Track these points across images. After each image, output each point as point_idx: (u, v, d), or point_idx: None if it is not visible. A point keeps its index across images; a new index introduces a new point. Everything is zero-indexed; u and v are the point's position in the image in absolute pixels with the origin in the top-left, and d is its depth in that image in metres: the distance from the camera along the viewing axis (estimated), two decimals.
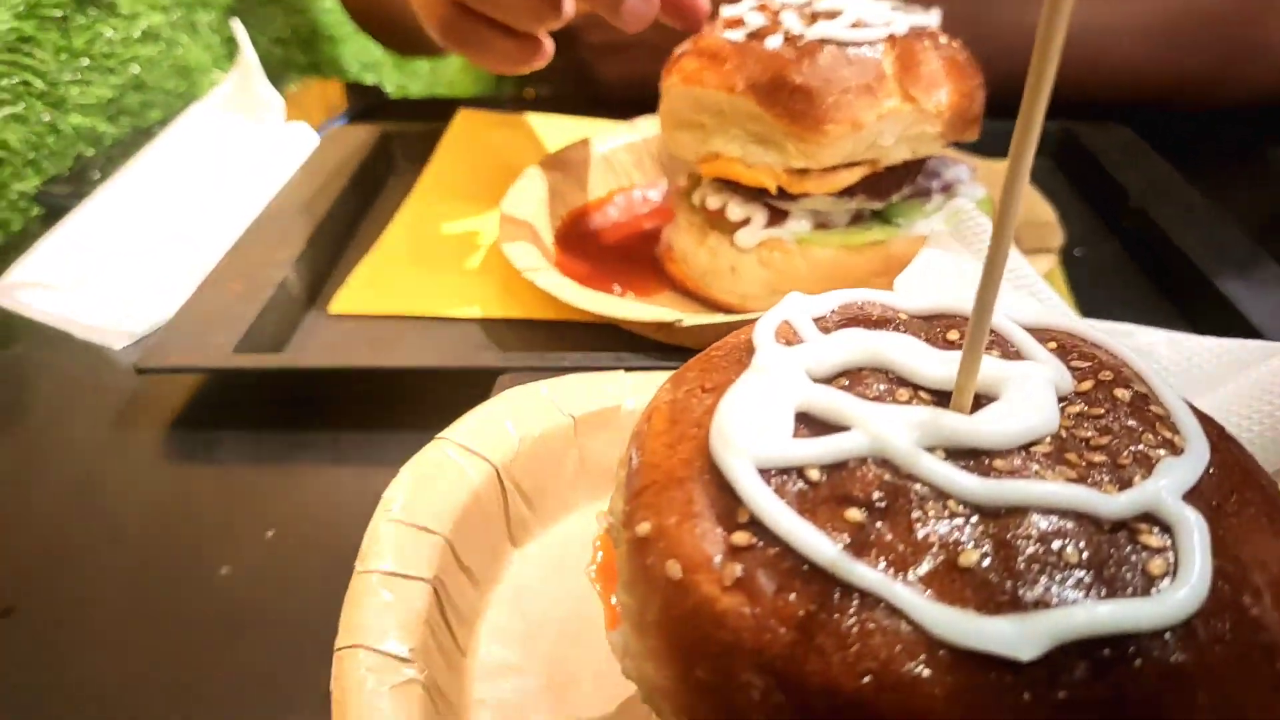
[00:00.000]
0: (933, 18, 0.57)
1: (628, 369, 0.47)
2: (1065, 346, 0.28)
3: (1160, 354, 0.43)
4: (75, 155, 0.80)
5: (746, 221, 0.58)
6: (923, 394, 0.26)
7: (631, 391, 0.44)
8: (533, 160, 0.70)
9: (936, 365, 0.26)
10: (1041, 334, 0.29)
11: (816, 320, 0.29)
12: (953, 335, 0.28)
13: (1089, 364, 0.27)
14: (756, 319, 0.29)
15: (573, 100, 0.93)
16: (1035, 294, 0.48)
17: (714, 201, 0.59)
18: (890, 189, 0.57)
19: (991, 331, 0.28)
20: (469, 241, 0.66)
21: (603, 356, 0.51)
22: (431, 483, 0.36)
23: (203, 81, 0.99)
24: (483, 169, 0.74)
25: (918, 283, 0.49)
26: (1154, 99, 0.85)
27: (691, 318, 0.52)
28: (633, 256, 0.65)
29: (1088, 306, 0.60)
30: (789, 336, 0.28)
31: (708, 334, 0.52)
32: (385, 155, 0.79)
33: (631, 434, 0.27)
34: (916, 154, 0.56)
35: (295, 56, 1.20)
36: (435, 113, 0.83)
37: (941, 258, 0.50)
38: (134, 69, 0.90)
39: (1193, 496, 0.23)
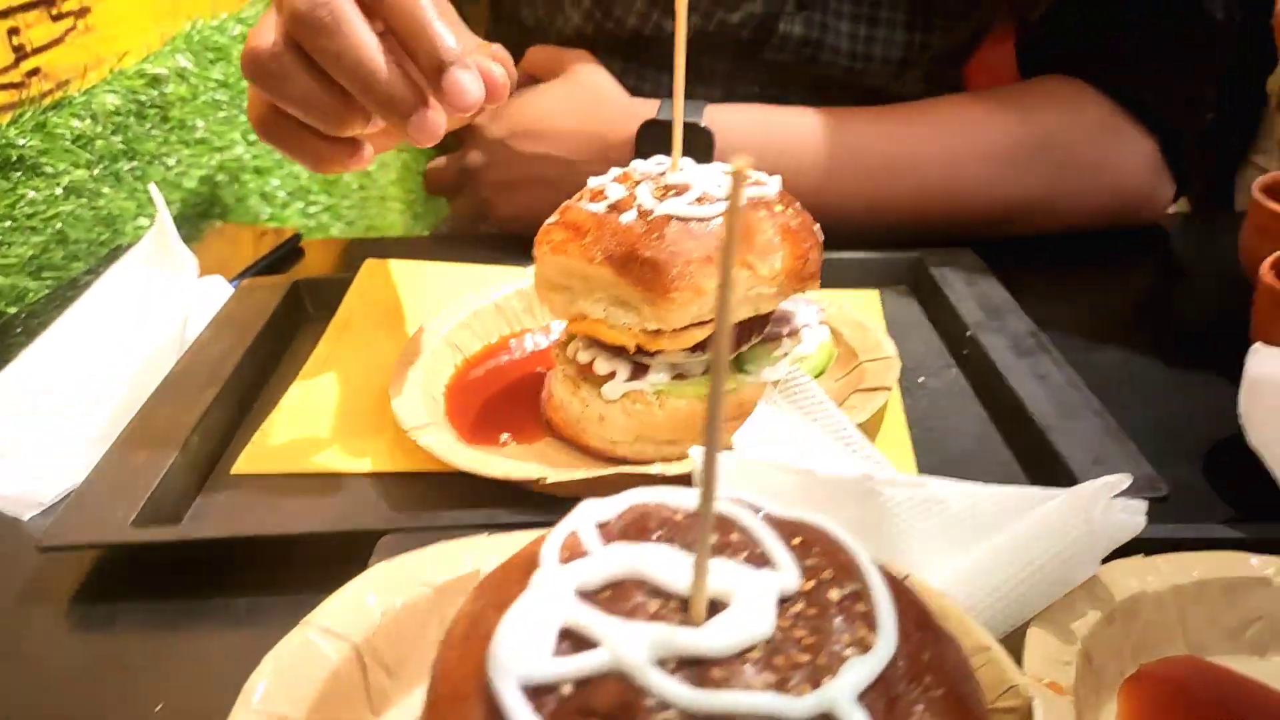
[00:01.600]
0: (772, 187, 0.64)
1: (494, 529, 0.52)
2: (807, 542, 0.34)
3: (950, 504, 0.49)
4: None
5: (612, 374, 0.64)
6: (673, 603, 0.31)
7: (489, 555, 0.49)
8: (433, 309, 0.76)
9: (684, 575, 0.31)
10: (791, 529, 0.35)
11: (602, 526, 0.34)
12: (713, 538, 0.34)
13: (819, 561, 0.33)
14: (545, 536, 0.34)
15: (473, 240, 1.00)
16: (855, 449, 0.54)
17: (584, 356, 0.65)
18: (739, 341, 0.63)
19: (740, 531, 0.34)
20: (368, 395, 0.71)
21: (477, 514, 0.57)
22: (292, 669, 0.40)
23: (127, 229, 1.05)
24: (385, 320, 0.79)
25: (752, 438, 0.55)
26: (1002, 219, 0.93)
27: (555, 474, 0.57)
28: (519, 403, 0.70)
29: (923, 436, 0.66)
30: (574, 548, 0.33)
31: (571, 488, 0.57)
32: (297, 305, 0.84)
33: (440, 642, 0.32)
34: (759, 310, 0.62)
35: (220, 195, 1.25)
36: (349, 257, 0.88)
37: (774, 415, 0.56)
38: (57, 225, 0.95)
39: (872, 693, 0.28)
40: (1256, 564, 0.50)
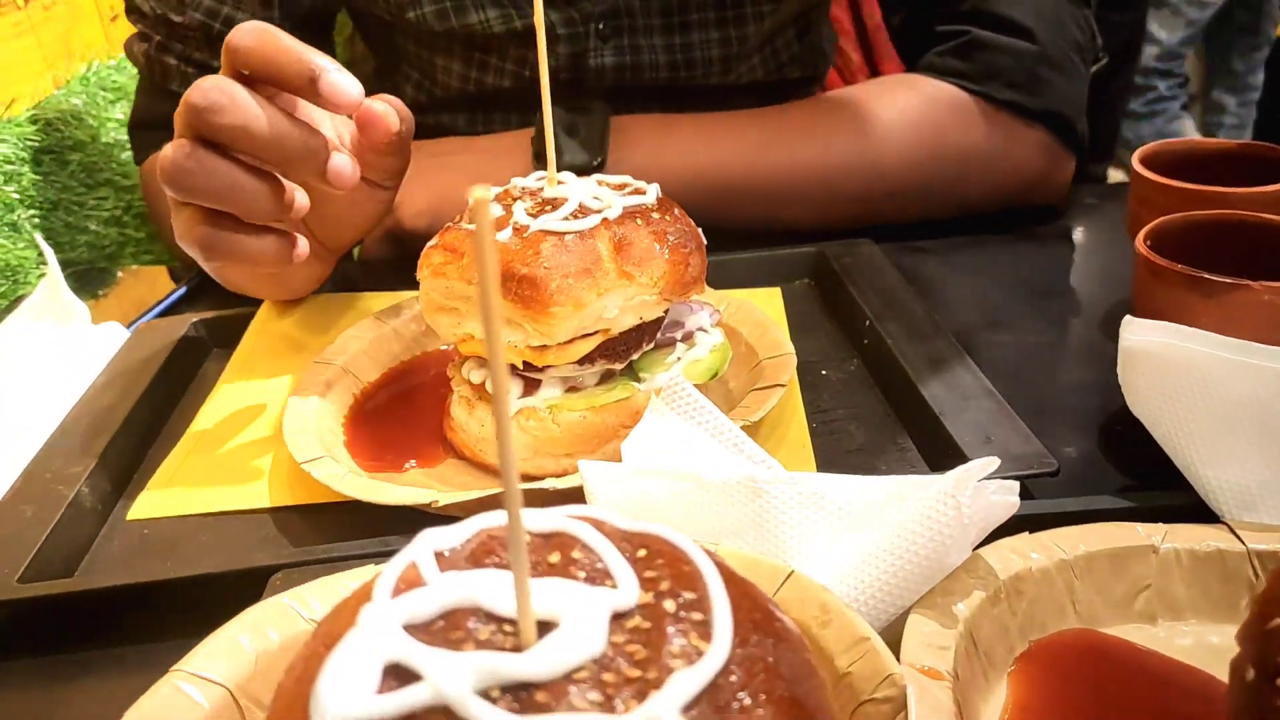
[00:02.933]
0: (650, 195, 0.64)
1: (382, 557, 0.51)
2: (651, 553, 0.34)
3: (830, 498, 0.49)
4: None
5: None
6: (505, 627, 0.31)
7: None
8: (332, 340, 0.75)
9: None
10: (638, 541, 0.35)
11: (441, 555, 0.34)
12: (555, 558, 0.34)
13: (659, 573, 0.33)
14: (379, 575, 0.33)
15: (379, 267, 0.99)
16: (740, 450, 0.54)
17: (476, 376, 0.65)
18: (629, 350, 0.63)
19: (582, 548, 0.34)
20: (267, 431, 0.70)
21: (370, 543, 0.56)
22: (160, 718, 0.39)
23: (30, 279, 1.03)
24: (286, 355, 0.78)
25: (640, 447, 0.55)
26: (917, 200, 0.93)
27: (447, 496, 0.57)
28: (421, 427, 0.70)
29: (824, 429, 0.66)
30: (411, 580, 0.33)
31: (468, 508, 0.57)
32: (196, 345, 0.82)
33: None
34: (643, 318, 0.62)
35: (131, 233, 1.23)
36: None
37: (660, 422, 0.56)
38: None
39: (700, 704, 0.28)
40: (1142, 532, 0.50)
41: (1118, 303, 0.80)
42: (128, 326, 0.86)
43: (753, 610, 0.32)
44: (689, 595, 0.32)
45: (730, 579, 0.33)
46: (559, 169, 0.66)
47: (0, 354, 0.79)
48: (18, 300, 0.97)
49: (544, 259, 0.58)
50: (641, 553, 0.34)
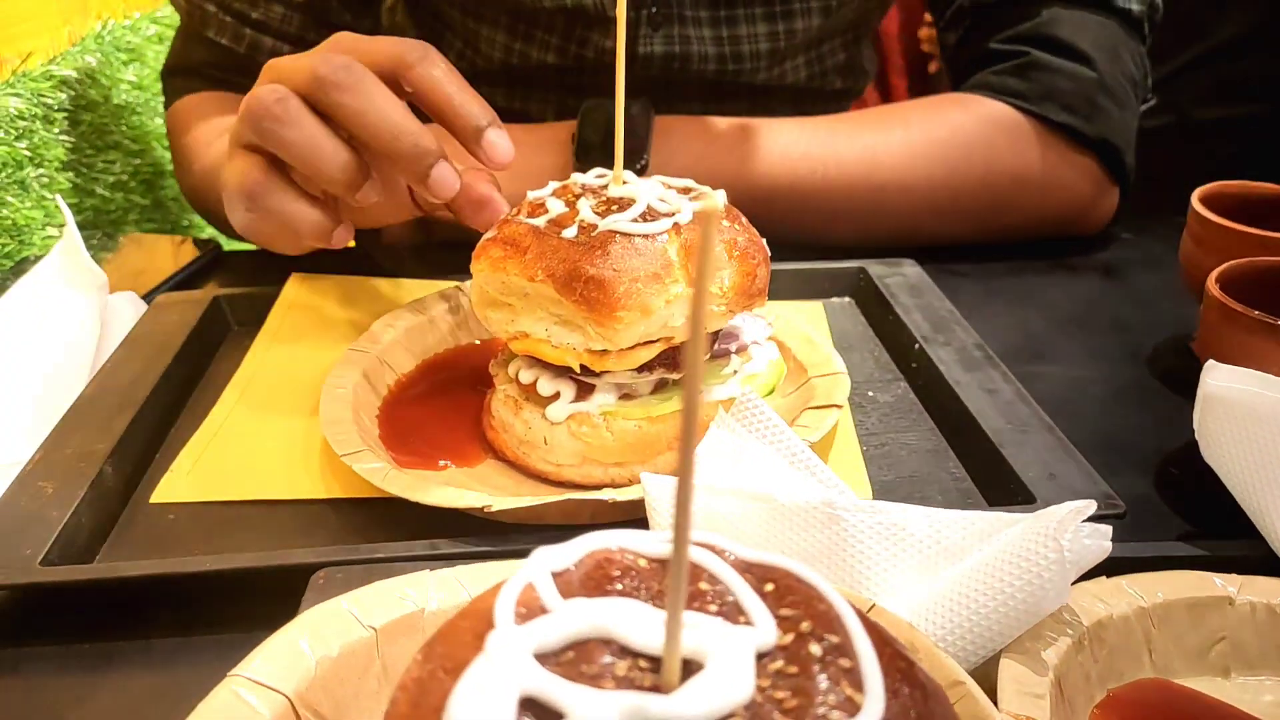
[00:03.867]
0: (718, 199, 0.62)
1: (436, 561, 0.49)
2: (781, 589, 0.32)
3: (912, 530, 0.47)
4: None
5: (557, 395, 0.61)
6: (641, 662, 0.29)
7: (435, 590, 0.46)
8: (364, 324, 0.72)
9: (654, 633, 0.29)
10: (762, 574, 0.33)
11: (559, 576, 0.32)
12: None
13: (796, 612, 0.31)
14: (498, 594, 0.31)
15: (403, 251, 0.96)
16: (811, 472, 0.53)
17: (526, 376, 0.62)
18: None
19: (709, 579, 0.32)
20: (298, 418, 0.67)
21: (417, 545, 0.54)
22: None
23: (35, 240, 0.99)
24: (314, 338, 0.75)
25: (706, 462, 0.53)
26: (964, 221, 0.93)
27: (500, 501, 0.55)
28: (457, 424, 0.67)
29: (875, 452, 0.65)
30: (530, 604, 0.31)
31: (518, 515, 0.55)
32: (217, 321, 0.79)
33: (385, 710, 0.30)
34: (707, 329, 0.60)
35: (136, 199, 1.20)
36: (272, 269, 0.83)
37: (727, 438, 0.54)
38: None
39: None
40: (1219, 583, 0.49)
41: (1164, 340, 0.79)
42: (143, 298, 0.83)
43: (895, 658, 0.31)
44: (832, 639, 0.30)
45: (866, 622, 0.32)
46: (594, 166, 0.65)
47: (11, 320, 0.75)
48: (22, 261, 0.94)
49: (613, 260, 0.56)
50: (769, 587, 0.32)
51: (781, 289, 0.81)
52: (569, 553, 0.33)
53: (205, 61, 1.01)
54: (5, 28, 1.02)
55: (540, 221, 0.60)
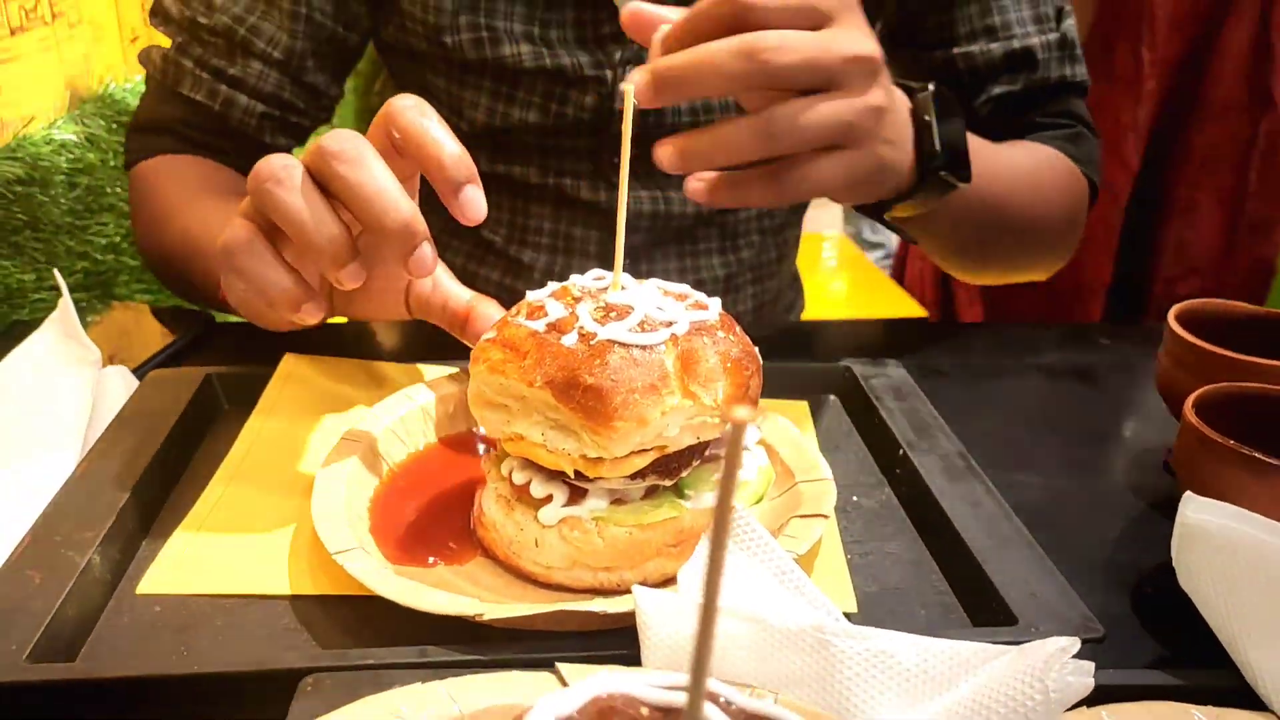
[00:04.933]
0: (713, 311, 0.64)
1: (426, 670, 0.49)
2: None
3: (901, 659, 0.48)
4: None
5: (549, 498, 0.62)
6: None
7: (424, 705, 0.46)
8: (360, 410, 0.73)
9: None
10: None
11: None
12: None
13: None
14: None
15: (396, 328, 0.97)
16: (800, 590, 0.54)
17: (519, 477, 0.63)
18: (679, 468, 0.62)
19: None
20: (289, 507, 0.68)
21: (408, 651, 0.54)
22: None
23: (26, 303, 0.99)
24: (306, 422, 0.76)
25: (696, 578, 0.54)
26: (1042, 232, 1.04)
27: (492, 609, 0.55)
28: (448, 519, 0.68)
29: (860, 561, 0.66)
30: None
31: (515, 623, 0.55)
32: (209, 400, 0.80)
33: None
34: (700, 438, 0.61)
35: (127, 260, 1.20)
36: (265, 345, 0.83)
37: None
38: None
39: None
40: (1198, 716, 0.50)
41: (1141, 453, 0.81)
42: (135, 371, 0.83)
43: None
44: None
45: None
46: None
47: (5, 393, 0.75)
48: (14, 325, 0.94)
49: (611, 371, 0.57)
50: None
51: (769, 386, 0.82)
52: (573, 699, 0.34)
53: (177, 118, 1.02)
54: (7, 92, 1.03)
55: (540, 325, 0.61)
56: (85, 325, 0.81)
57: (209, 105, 0.98)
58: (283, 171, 0.62)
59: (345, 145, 0.62)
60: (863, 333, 1.23)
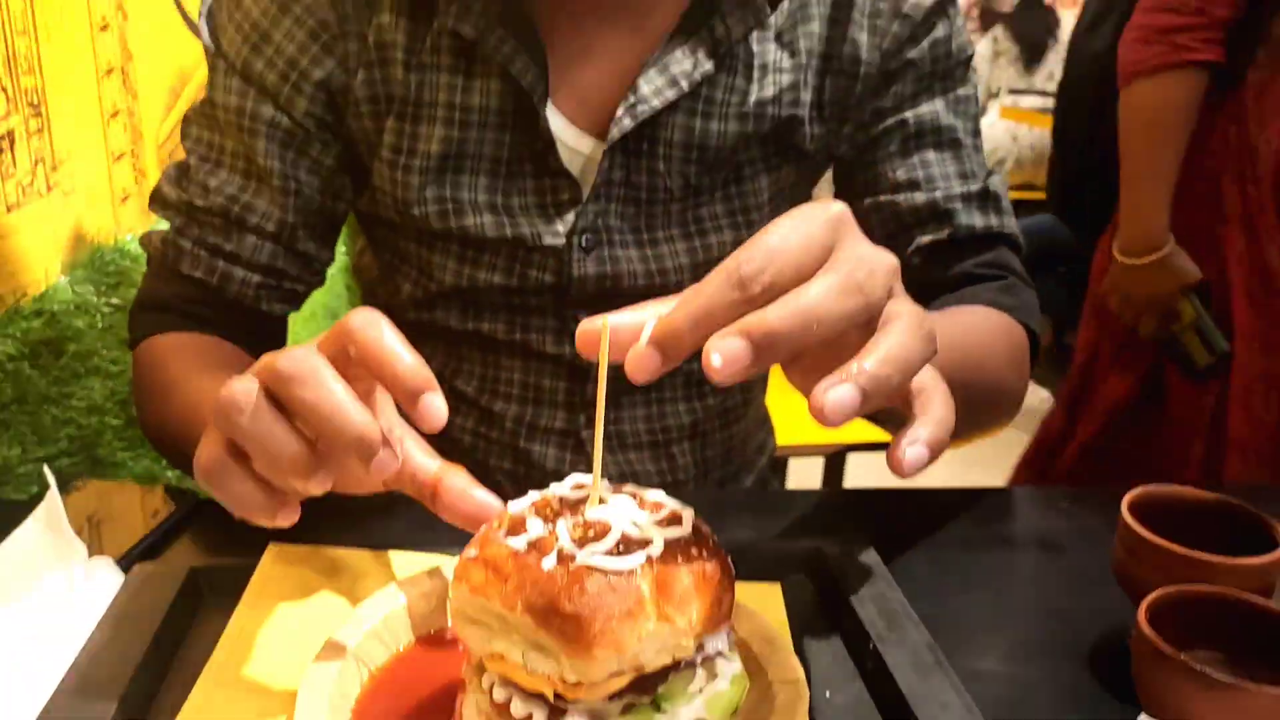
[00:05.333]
0: (686, 524, 0.66)
1: None
2: None
3: None
4: None
5: (529, 717, 0.63)
6: None
7: None
8: (343, 606, 0.74)
9: None
10: None
11: None
12: None
13: None
14: None
15: (378, 507, 0.99)
16: None
17: (500, 694, 0.65)
18: (656, 684, 0.64)
19: None
20: (272, 711, 0.69)
21: None
22: None
23: (12, 478, 1.00)
24: (290, 621, 0.77)
25: None
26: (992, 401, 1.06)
27: None
28: None
29: None
30: None
31: None
32: (193, 596, 0.81)
33: None
34: (676, 658, 0.63)
35: (110, 420, 1.22)
36: (248, 531, 0.85)
37: None
38: None
39: None
40: None
41: (1102, 635, 0.83)
42: (119, 561, 0.84)
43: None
44: None
45: None
46: None
47: None
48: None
49: (589, 599, 0.60)
50: None
51: (739, 568, 0.85)
52: None
53: (177, 295, 1.07)
54: (6, 265, 1.06)
55: (521, 544, 0.63)
56: (69, 491, 0.82)
57: (207, 281, 1.04)
58: (242, 397, 0.65)
59: (300, 367, 0.64)
60: (830, 505, 1.20)
